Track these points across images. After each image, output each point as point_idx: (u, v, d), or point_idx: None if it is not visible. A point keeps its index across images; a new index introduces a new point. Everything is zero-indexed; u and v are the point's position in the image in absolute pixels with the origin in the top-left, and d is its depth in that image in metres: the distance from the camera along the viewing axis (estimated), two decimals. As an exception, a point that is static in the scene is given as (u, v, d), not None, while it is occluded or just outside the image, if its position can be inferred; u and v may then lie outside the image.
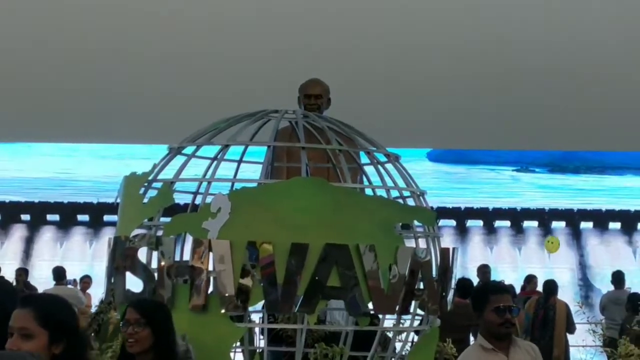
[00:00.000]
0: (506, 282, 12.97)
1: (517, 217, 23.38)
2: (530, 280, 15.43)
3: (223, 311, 5.01)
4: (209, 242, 4.99)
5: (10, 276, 14.77)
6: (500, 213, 23.46)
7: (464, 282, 10.79)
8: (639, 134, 20.59)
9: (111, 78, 19.34)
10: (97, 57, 19.28)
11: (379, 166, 5.67)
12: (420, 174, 18.05)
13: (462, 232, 23.25)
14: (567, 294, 14.24)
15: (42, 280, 17.31)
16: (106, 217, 21.93)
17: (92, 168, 23.43)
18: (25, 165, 23.75)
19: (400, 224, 5.49)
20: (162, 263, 5.12)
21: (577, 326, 12.95)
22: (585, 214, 23.39)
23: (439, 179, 23.45)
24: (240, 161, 6.16)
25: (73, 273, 17.24)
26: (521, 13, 19.31)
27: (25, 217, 23.37)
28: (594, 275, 22.46)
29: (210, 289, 5.05)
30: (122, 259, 5.30)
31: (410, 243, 5.41)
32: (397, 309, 5.23)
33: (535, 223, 23.34)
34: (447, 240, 21.15)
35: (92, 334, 9.35)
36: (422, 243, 5.47)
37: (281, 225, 5.00)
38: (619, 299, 13.98)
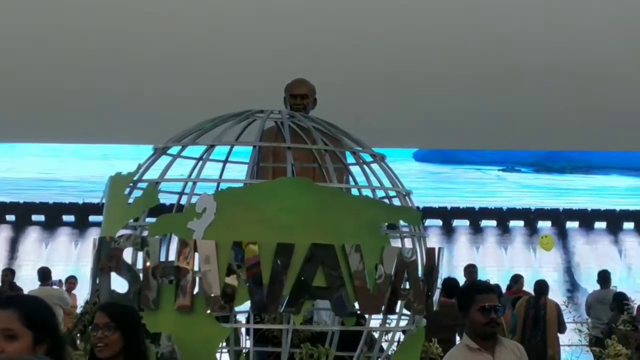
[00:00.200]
0: (492, 282, 13.01)
1: (503, 216, 23.42)
2: (517, 280, 15.46)
3: (209, 312, 5.00)
4: (195, 243, 4.98)
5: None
6: (486, 213, 23.50)
7: (449, 282, 10.82)
8: (624, 133, 20.67)
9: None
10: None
11: (365, 166, 5.67)
12: (406, 174, 18.10)
13: (448, 231, 23.27)
14: (553, 294, 14.30)
15: (27, 281, 17.25)
16: (92, 218, 21.84)
17: (77, 168, 23.34)
18: (10, 165, 23.63)
19: (386, 224, 5.49)
20: (148, 264, 5.10)
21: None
22: (571, 214, 23.44)
23: (425, 179, 23.48)
24: (225, 161, 6.15)
25: (58, 274, 17.19)
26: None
27: (10, 217, 23.27)
28: (580, 275, 22.53)
29: (196, 290, 5.04)
30: (107, 259, 5.28)
31: (396, 243, 5.41)
32: (383, 309, 5.23)
33: (521, 223, 23.39)
34: (434, 240, 21.16)
35: (78, 335, 9.32)
36: (408, 243, 5.47)
37: (267, 226, 4.99)
38: (605, 298, 14.04)
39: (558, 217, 23.38)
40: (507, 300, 13.31)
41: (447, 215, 23.35)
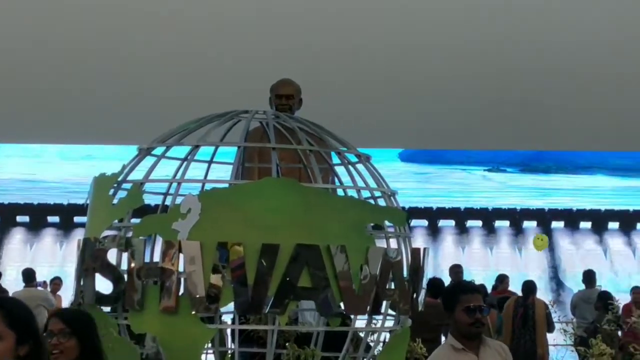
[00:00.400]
0: (477, 282, 13.04)
1: (488, 217, 23.48)
2: (502, 280, 15.50)
3: (194, 312, 4.98)
4: (179, 243, 4.96)
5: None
6: (471, 213, 23.55)
7: (435, 282, 10.83)
8: (609, 133, 20.75)
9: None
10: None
11: (350, 166, 5.67)
12: (392, 174, 18.12)
13: (434, 232, 23.31)
14: (539, 293, 14.34)
15: (11, 283, 17.17)
16: (77, 219, 21.76)
17: (62, 169, 23.24)
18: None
19: (372, 224, 5.49)
20: (132, 264, 5.09)
21: (549, 325, 13.06)
22: (556, 214, 23.52)
23: (411, 179, 23.50)
24: (210, 162, 6.13)
25: (44, 275, 17.13)
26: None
27: (-5, 218, 23.18)
28: (565, 275, 22.59)
29: (181, 291, 5.03)
30: (91, 260, 5.26)
31: (381, 243, 5.41)
32: (368, 309, 5.22)
33: (506, 223, 23.45)
34: (420, 240, 21.21)
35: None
36: (393, 243, 5.47)
37: (252, 226, 4.98)
38: (590, 298, 14.06)
39: (543, 217, 23.45)
40: (494, 299, 13.35)
41: (432, 215, 23.39)
